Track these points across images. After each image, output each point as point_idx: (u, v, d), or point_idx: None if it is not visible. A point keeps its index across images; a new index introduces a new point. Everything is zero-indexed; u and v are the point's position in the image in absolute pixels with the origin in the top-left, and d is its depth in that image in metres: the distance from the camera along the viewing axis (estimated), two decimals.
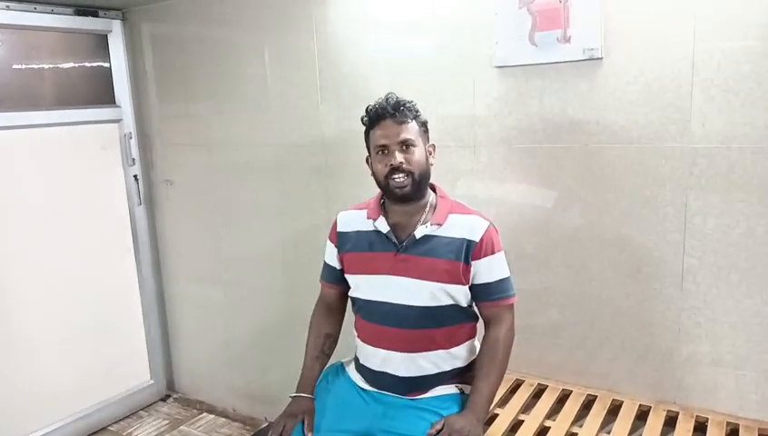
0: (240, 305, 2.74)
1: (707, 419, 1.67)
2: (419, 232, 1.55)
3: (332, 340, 1.75)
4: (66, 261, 2.64)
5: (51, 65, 2.74)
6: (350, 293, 1.68)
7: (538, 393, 1.88)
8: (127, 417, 2.86)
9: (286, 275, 2.56)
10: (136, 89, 2.86)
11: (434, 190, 1.63)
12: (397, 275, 1.56)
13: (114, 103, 2.83)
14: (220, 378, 2.89)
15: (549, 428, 1.69)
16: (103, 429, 2.76)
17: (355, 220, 1.67)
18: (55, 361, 2.61)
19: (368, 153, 1.61)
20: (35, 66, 2.68)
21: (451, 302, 1.55)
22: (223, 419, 2.80)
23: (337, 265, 1.70)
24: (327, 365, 1.74)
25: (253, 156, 2.55)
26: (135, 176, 2.88)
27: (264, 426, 2.69)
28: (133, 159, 2.87)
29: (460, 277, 1.53)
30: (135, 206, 2.89)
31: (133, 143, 2.86)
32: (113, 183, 2.83)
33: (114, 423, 2.80)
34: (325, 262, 1.75)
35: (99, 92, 2.80)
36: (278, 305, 2.62)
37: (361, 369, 1.67)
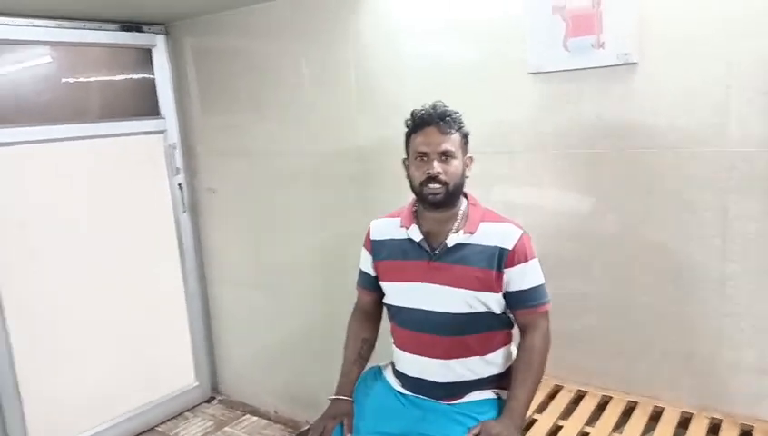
0: (280, 309, 2.81)
1: (752, 427, 1.64)
2: (452, 240, 1.57)
3: (369, 344, 1.78)
4: (114, 267, 2.75)
5: (98, 79, 2.85)
6: (385, 300, 1.70)
7: (578, 399, 1.87)
8: (173, 418, 2.95)
9: (324, 281, 2.61)
10: (180, 100, 2.95)
11: (466, 197, 1.64)
12: (430, 283, 1.58)
13: (159, 114, 2.93)
14: (262, 381, 2.96)
15: (588, 434, 1.69)
16: (151, 429, 2.86)
17: (388, 228, 1.69)
18: (105, 365, 2.72)
19: (406, 156, 1.62)
20: (83, 80, 2.79)
21: (485, 309, 1.56)
22: (266, 421, 2.87)
23: (372, 272, 1.73)
24: (365, 369, 1.78)
25: (292, 164, 2.61)
26: (180, 185, 2.98)
27: (305, 429, 2.74)
28: (178, 168, 2.97)
29: (493, 285, 1.54)
30: (180, 214, 2.99)
31: (177, 152, 2.96)
32: (158, 191, 2.94)
33: (161, 424, 2.90)
34: (361, 270, 1.78)
35: (144, 104, 2.90)
36: (317, 310, 2.67)
37: (398, 374, 1.70)
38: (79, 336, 2.63)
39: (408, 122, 1.60)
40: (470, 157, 1.62)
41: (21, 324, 2.43)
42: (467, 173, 1.61)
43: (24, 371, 2.45)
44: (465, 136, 1.59)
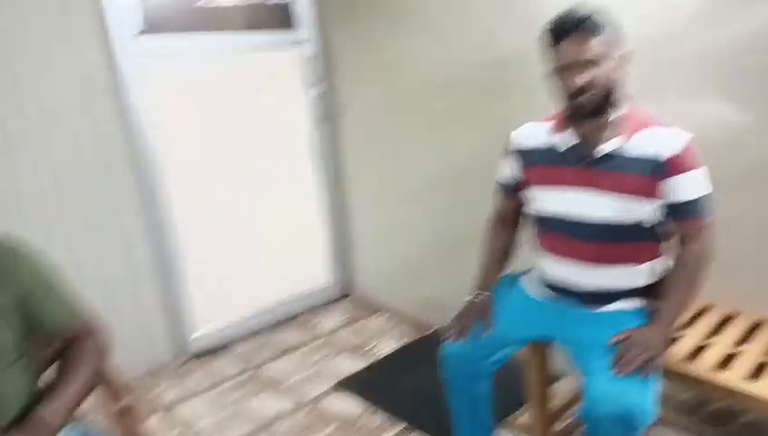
0: (415, 219, 2.88)
1: None
2: (607, 146, 1.50)
3: (508, 250, 1.80)
4: (258, 175, 2.93)
5: None
6: (532, 207, 1.69)
7: (726, 320, 1.79)
8: (310, 311, 3.18)
9: (459, 192, 2.63)
10: (319, 12, 2.99)
11: (625, 102, 1.53)
12: (582, 189, 1.54)
13: (298, 26, 2.98)
14: (393, 285, 3.10)
15: (736, 354, 1.62)
16: (291, 318, 3.11)
17: (538, 134, 1.65)
18: (254, 261, 2.97)
19: (550, 69, 1.52)
20: None
21: (637, 218, 1.51)
22: (398, 319, 3.02)
23: (515, 178, 1.71)
24: (502, 274, 1.80)
25: (431, 75, 2.59)
26: (317, 97, 3.06)
27: (437, 327, 2.86)
28: (316, 80, 3.04)
29: (649, 193, 1.47)
30: (318, 125, 3.09)
31: (316, 64, 3.03)
32: (297, 103, 3.03)
33: (300, 315, 3.14)
34: (502, 176, 1.76)
35: (284, 16, 2.94)
36: (451, 220, 2.71)
37: (540, 280, 1.70)
38: (232, 235, 2.88)
39: (546, 33, 1.48)
40: (626, 52, 1.48)
41: (185, 222, 2.69)
42: (619, 74, 1.48)
43: (190, 262, 2.73)
44: (613, 32, 1.45)
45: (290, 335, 2.96)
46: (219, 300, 2.88)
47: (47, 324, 1.30)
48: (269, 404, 2.38)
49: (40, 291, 1.29)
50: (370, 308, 3.18)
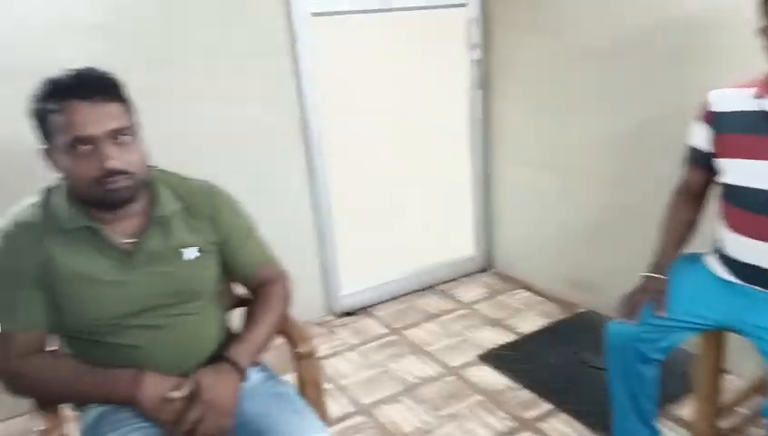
0: (567, 193, 2.77)
1: None
2: None
3: (691, 227, 1.67)
4: (410, 137, 2.94)
5: None
6: (723, 179, 1.55)
7: None
8: (452, 280, 3.19)
9: (623, 166, 2.48)
10: None
11: None
12: None
13: None
14: (538, 260, 3.02)
15: None
16: (432, 287, 3.14)
17: (736, 99, 1.51)
18: (400, 226, 3.01)
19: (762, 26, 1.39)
20: None
21: None
22: (540, 297, 2.95)
23: (706, 148, 1.58)
24: (681, 252, 1.69)
25: (599, 39, 2.45)
26: (476, 60, 3.01)
27: (581, 310, 2.76)
28: (475, 43, 2.99)
29: None
30: (474, 89, 3.05)
31: (476, 27, 2.97)
32: (454, 66, 3.00)
33: (441, 284, 3.16)
34: (691, 145, 1.63)
35: None
36: (608, 196, 2.58)
37: (726, 259, 1.57)
38: (380, 197, 2.93)
39: None
40: None
41: (341, 185, 2.77)
42: None
43: (339, 225, 2.82)
44: None
45: (433, 302, 2.99)
46: (366, 263, 2.95)
47: (244, 266, 1.40)
48: (414, 367, 2.43)
49: (241, 234, 1.40)
50: (512, 283, 3.13)
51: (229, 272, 1.41)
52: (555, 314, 2.78)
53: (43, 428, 1.17)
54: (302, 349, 1.43)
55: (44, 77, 1.17)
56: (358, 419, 2.15)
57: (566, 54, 2.61)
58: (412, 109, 2.93)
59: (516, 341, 2.57)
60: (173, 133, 2.22)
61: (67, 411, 1.31)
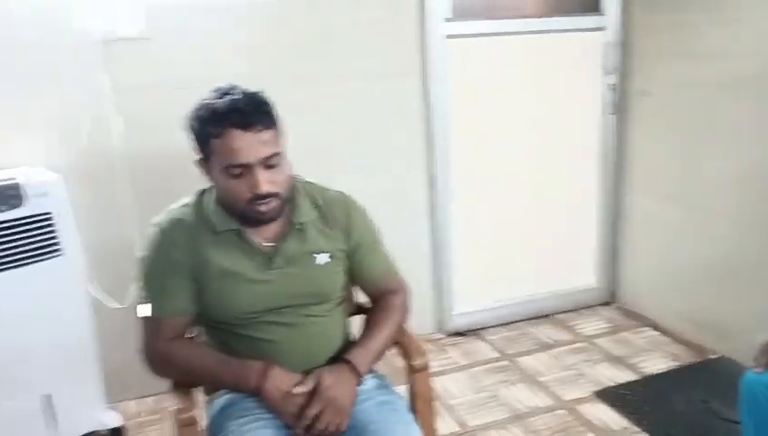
0: (701, 227, 2.59)
1: None
2: None
3: None
4: (537, 158, 2.89)
5: None
6: None
7: None
8: (570, 311, 3.07)
9: (763, 203, 2.28)
10: None
11: None
12: None
13: (599, 11, 2.86)
14: (666, 298, 2.83)
15: None
16: (548, 315, 3.04)
17: None
18: (517, 247, 2.95)
19: None
20: None
21: None
22: (667, 337, 2.76)
23: None
24: None
25: (744, 68, 2.28)
26: (611, 85, 2.91)
27: (713, 357, 2.55)
28: (612, 67, 2.89)
29: None
30: (606, 115, 2.94)
31: (614, 51, 2.87)
32: (588, 90, 2.91)
33: (558, 314, 3.05)
34: None
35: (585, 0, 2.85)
36: (746, 234, 2.38)
37: None
38: (502, 219, 2.89)
39: None
40: None
41: (462, 201, 2.78)
42: None
43: (458, 243, 2.82)
44: None
45: (548, 331, 2.89)
46: (481, 283, 2.93)
47: (369, 275, 1.47)
48: (524, 396, 2.37)
49: (370, 244, 1.46)
50: (636, 319, 2.96)
51: (354, 279, 1.48)
52: (683, 357, 2.59)
53: (177, 407, 1.28)
54: (417, 362, 1.44)
55: (204, 100, 1.28)
56: None
57: (706, 83, 2.47)
58: (542, 131, 2.88)
59: (638, 381, 2.43)
60: (316, 146, 2.36)
61: (199, 395, 1.42)
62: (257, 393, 1.29)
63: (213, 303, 1.33)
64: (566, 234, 3.05)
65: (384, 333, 1.41)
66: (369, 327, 1.43)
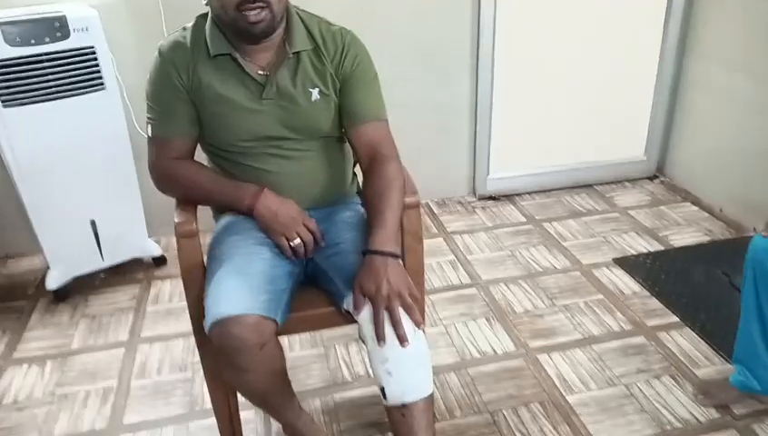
0: (765, 102, 2.40)
1: None
2: None
3: None
4: (597, 21, 2.72)
5: None
6: None
7: None
8: (612, 182, 3.00)
9: None
10: None
11: None
12: None
13: None
14: (715, 175, 2.70)
15: None
16: (589, 186, 2.98)
17: None
18: (564, 113, 2.85)
19: None
20: None
21: None
22: (707, 214, 2.67)
23: None
24: None
25: None
26: None
27: (749, 234, 2.46)
28: None
29: None
30: None
31: None
32: None
33: (600, 185, 2.99)
34: None
35: None
36: None
37: None
38: (549, 79, 2.77)
39: None
40: None
41: (506, 62, 2.67)
42: None
43: (499, 103, 2.74)
44: None
45: (584, 201, 2.86)
46: (521, 148, 2.88)
47: (354, 110, 1.42)
48: (541, 257, 2.41)
49: (361, 79, 1.42)
50: (680, 194, 2.86)
51: (341, 114, 1.44)
52: (717, 234, 2.52)
53: (178, 221, 1.41)
54: (408, 199, 1.48)
55: None
56: (471, 290, 2.22)
57: None
58: None
59: (662, 251, 2.40)
60: None
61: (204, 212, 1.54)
62: (249, 213, 1.39)
63: (209, 128, 1.40)
64: (619, 102, 2.90)
65: (394, 208, 1.35)
66: (377, 204, 1.35)
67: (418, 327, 1.25)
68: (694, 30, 2.73)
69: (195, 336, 1.45)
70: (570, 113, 2.86)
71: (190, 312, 1.43)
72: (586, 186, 2.98)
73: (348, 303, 1.31)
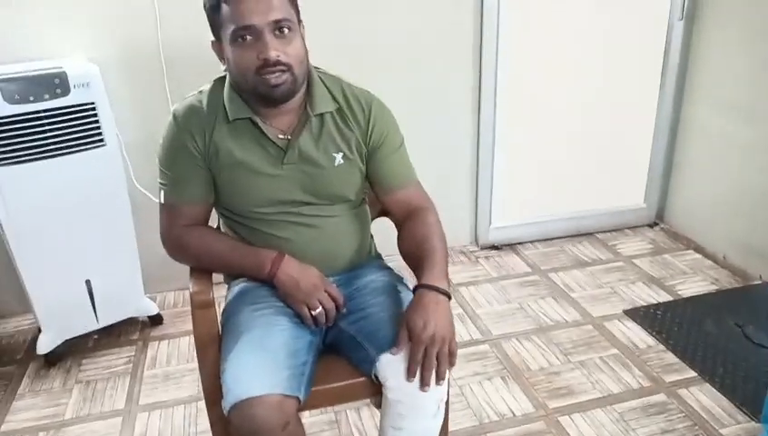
0: (766, 149, 2.42)
1: None
2: None
3: None
4: (592, 72, 2.73)
5: None
6: None
7: None
8: (613, 230, 2.99)
9: None
10: None
11: None
12: None
13: None
14: (716, 220, 2.70)
15: None
16: (590, 234, 2.97)
17: None
18: (563, 159, 2.84)
19: None
20: None
21: None
22: (710, 262, 2.67)
23: None
24: None
25: None
26: None
27: (756, 282, 2.46)
28: None
29: None
30: (675, 21, 2.71)
31: None
32: None
33: (600, 233, 2.97)
34: None
35: None
36: None
37: None
38: (547, 126, 2.77)
39: None
40: None
41: (508, 110, 2.67)
42: None
43: (500, 152, 2.73)
44: None
45: (587, 249, 2.84)
46: (522, 197, 2.87)
47: (386, 177, 1.40)
48: (552, 309, 2.36)
49: (391, 146, 1.39)
50: (682, 242, 2.85)
51: (373, 184, 1.42)
52: (724, 282, 2.51)
53: (193, 290, 1.34)
54: None
55: None
56: (484, 347, 2.16)
57: None
58: (597, 36, 2.71)
59: (672, 302, 2.37)
60: (359, 42, 2.37)
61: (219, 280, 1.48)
62: (270, 281, 1.33)
63: (226, 194, 1.35)
64: (617, 149, 2.91)
65: (440, 248, 1.32)
66: (423, 245, 1.32)
67: (442, 379, 1.20)
68: (691, 75, 2.76)
69: (208, 411, 1.37)
70: (570, 161, 2.86)
71: (204, 387, 1.36)
72: (588, 234, 2.96)
73: (379, 369, 1.24)
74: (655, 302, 2.37)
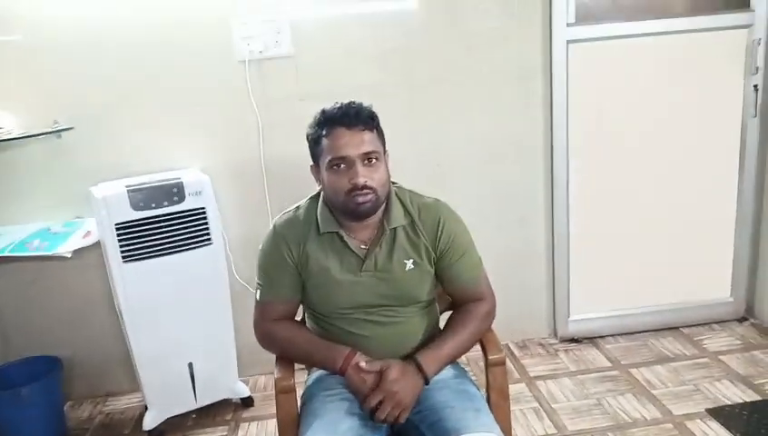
0: None
1: None
2: None
3: None
4: (672, 161, 2.77)
5: None
6: None
7: None
8: (699, 325, 2.92)
9: None
10: None
11: None
12: None
13: (748, 6, 2.68)
14: None
15: None
16: (675, 328, 2.91)
17: None
18: (644, 253, 2.85)
19: None
20: None
21: None
22: None
23: None
24: None
25: None
26: (755, 86, 2.71)
27: None
28: (757, 67, 2.69)
29: None
30: (749, 118, 2.75)
31: (761, 50, 2.68)
32: (729, 92, 2.74)
33: (686, 327, 2.91)
34: None
35: None
36: None
37: None
38: (627, 221, 2.82)
39: None
40: None
41: (582, 205, 2.77)
42: None
43: (578, 245, 2.81)
44: None
45: (670, 344, 2.78)
46: (601, 290, 2.88)
47: (455, 282, 1.57)
48: (630, 407, 2.33)
49: (457, 250, 1.56)
50: None
51: (442, 283, 1.60)
52: None
53: (278, 376, 1.52)
54: (493, 356, 1.54)
55: (323, 108, 1.50)
56: None
57: None
58: (674, 134, 2.76)
59: (759, 402, 2.28)
60: (437, 144, 2.60)
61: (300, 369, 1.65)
62: (341, 374, 1.48)
63: (312, 296, 1.55)
64: (699, 242, 2.89)
65: (458, 340, 1.52)
66: (445, 331, 1.55)
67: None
68: None
69: None
70: (650, 254, 2.87)
71: None
72: (672, 328, 2.91)
73: None
74: (741, 402, 2.28)
